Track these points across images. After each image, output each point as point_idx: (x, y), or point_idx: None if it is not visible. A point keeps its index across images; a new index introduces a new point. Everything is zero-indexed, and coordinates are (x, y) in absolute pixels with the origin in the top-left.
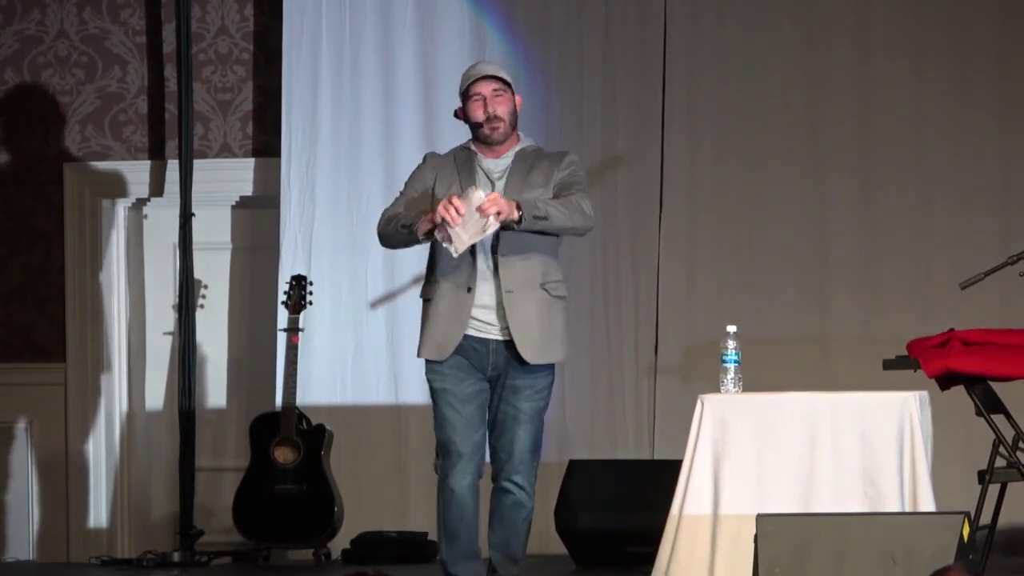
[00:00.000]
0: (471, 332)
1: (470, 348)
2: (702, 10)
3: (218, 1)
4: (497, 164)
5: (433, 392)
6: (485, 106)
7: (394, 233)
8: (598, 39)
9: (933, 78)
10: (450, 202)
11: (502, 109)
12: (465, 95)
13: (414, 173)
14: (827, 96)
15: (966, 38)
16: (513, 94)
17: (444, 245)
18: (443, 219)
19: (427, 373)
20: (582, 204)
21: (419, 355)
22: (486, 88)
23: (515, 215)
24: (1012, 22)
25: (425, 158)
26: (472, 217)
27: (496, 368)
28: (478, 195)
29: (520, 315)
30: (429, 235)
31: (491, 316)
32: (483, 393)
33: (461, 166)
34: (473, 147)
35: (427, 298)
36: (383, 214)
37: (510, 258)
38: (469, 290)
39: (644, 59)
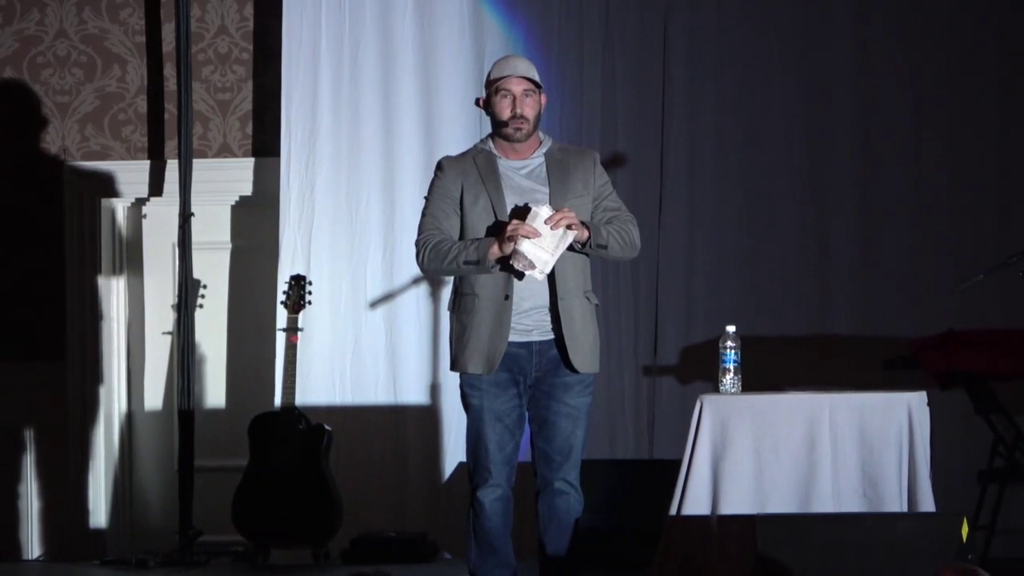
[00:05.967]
0: (513, 337)
1: (512, 356)
2: (702, 9)
3: (218, 1)
4: (521, 165)
5: (469, 408)
6: (513, 105)
7: (454, 270)
8: (598, 39)
9: (933, 77)
10: (516, 227)
11: (529, 111)
12: (492, 87)
13: (435, 186)
14: (827, 96)
15: (966, 32)
16: (541, 93)
17: (527, 273)
18: (516, 244)
19: (464, 387)
20: (634, 238)
21: (465, 370)
22: (517, 87)
23: (585, 234)
24: (1011, 17)
25: (441, 166)
26: (546, 234)
27: (540, 368)
28: (545, 210)
29: (571, 322)
30: (504, 263)
31: (533, 319)
32: (518, 408)
33: (485, 172)
34: (492, 146)
35: (464, 312)
36: (421, 244)
37: (561, 263)
38: (507, 297)
39: (644, 59)
